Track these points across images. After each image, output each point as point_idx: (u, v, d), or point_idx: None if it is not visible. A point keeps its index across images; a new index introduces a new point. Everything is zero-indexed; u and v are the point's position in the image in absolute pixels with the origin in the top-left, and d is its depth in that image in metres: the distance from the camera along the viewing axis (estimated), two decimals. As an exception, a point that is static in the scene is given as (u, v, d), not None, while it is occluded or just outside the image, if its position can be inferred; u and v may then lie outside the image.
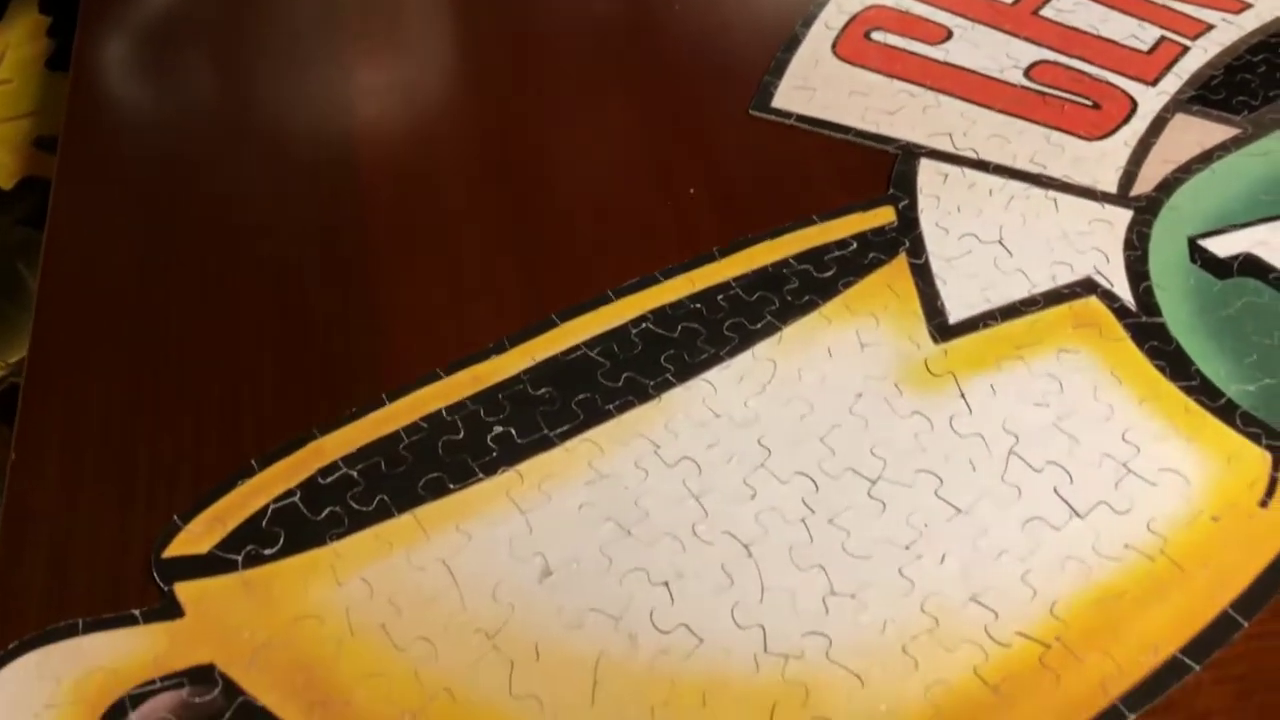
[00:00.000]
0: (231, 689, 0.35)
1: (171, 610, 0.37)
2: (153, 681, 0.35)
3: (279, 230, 0.50)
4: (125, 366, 0.45)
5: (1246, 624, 0.37)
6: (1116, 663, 0.36)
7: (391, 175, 0.53)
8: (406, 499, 0.40)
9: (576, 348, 0.45)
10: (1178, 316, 0.46)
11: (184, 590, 0.38)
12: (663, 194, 0.52)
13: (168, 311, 0.47)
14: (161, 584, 0.38)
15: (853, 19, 0.61)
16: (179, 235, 0.50)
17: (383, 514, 0.40)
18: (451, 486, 0.40)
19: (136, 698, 0.35)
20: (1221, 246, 0.49)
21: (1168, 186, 0.52)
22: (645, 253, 0.49)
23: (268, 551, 0.39)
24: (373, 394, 0.43)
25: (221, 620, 0.37)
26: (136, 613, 0.37)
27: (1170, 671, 0.36)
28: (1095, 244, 0.49)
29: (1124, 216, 0.50)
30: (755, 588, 0.38)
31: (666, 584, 0.38)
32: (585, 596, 0.37)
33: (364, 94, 0.57)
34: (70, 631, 0.37)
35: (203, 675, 0.36)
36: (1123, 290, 0.47)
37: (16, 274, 0.89)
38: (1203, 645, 0.36)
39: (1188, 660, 0.36)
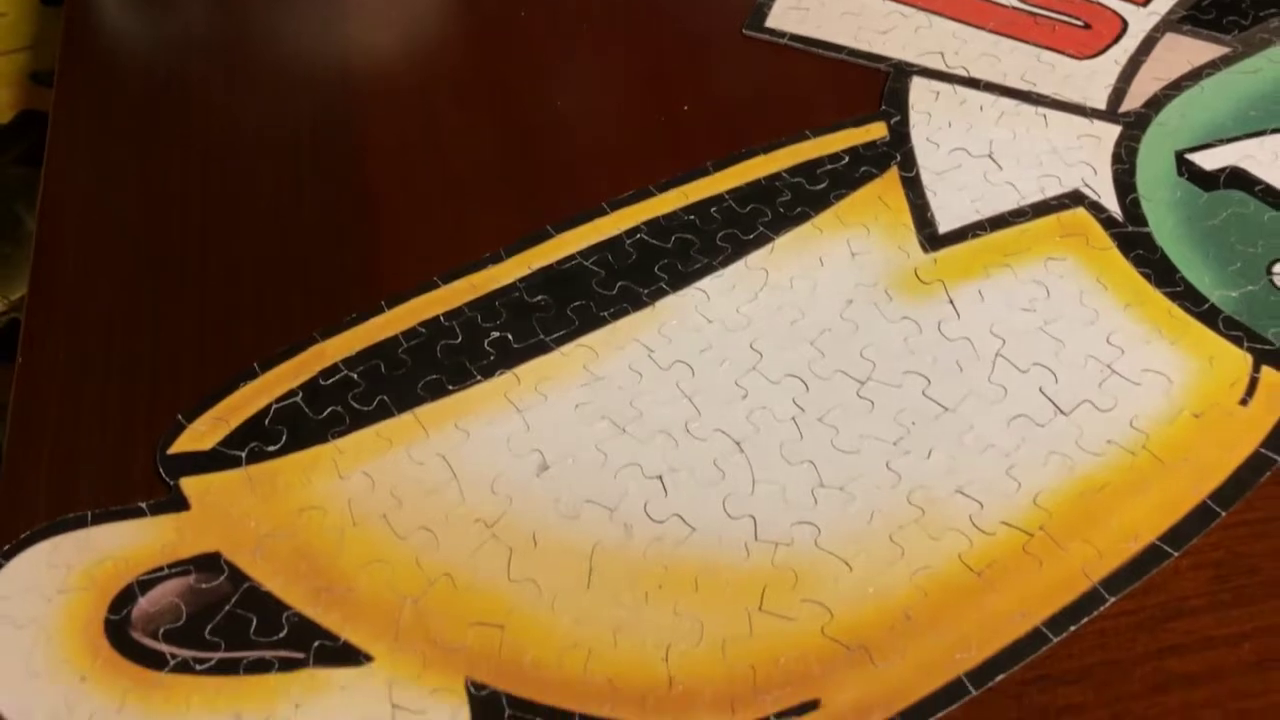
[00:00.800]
0: (237, 575, 0.36)
1: (177, 503, 0.38)
2: (160, 569, 0.36)
3: (278, 149, 0.51)
4: (128, 276, 0.46)
5: (1224, 514, 0.38)
6: (1097, 549, 0.37)
7: (388, 92, 0.53)
8: (406, 399, 0.41)
9: (572, 257, 0.46)
10: (1164, 227, 0.47)
11: (189, 485, 0.39)
12: (657, 111, 0.52)
13: (168, 226, 0.48)
14: (167, 479, 0.39)
15: (845, -58, 0.61)
16: (178, 158, 0.51)
17: (383, 413, 0.41)
18: (450, 388, 0.41)
19: (145, 583, 0.36)
20: (1208, 160, 0.50)
21: (1156, 103, 0.52)
22: (640, 167, 0.49)
23: (270, 448, 0.40)
24: (372, 301, 0.44)
25: (226, 512, 0.38)
26: (144, 505, 0.38)
27: (1149, 558, 0.37)
28: (1084, 158, 0.50)
29: (1112, 132, 0.51)
30: (746, 481, 0.39)
31: (660, 478, 0.39)
32: (581, 489, 0.38)
33: (359, 13, 0.57)
34: (79, 523, 0.38)
35: (209, 563, 0.37)
36: (1110, 202, 0.48)
37: (14, 214, 0.89)
38: (1181, 533, 0.38)
39: (1166, 547, 0.37)
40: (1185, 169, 0.49)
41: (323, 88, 0.53)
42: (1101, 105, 0.52)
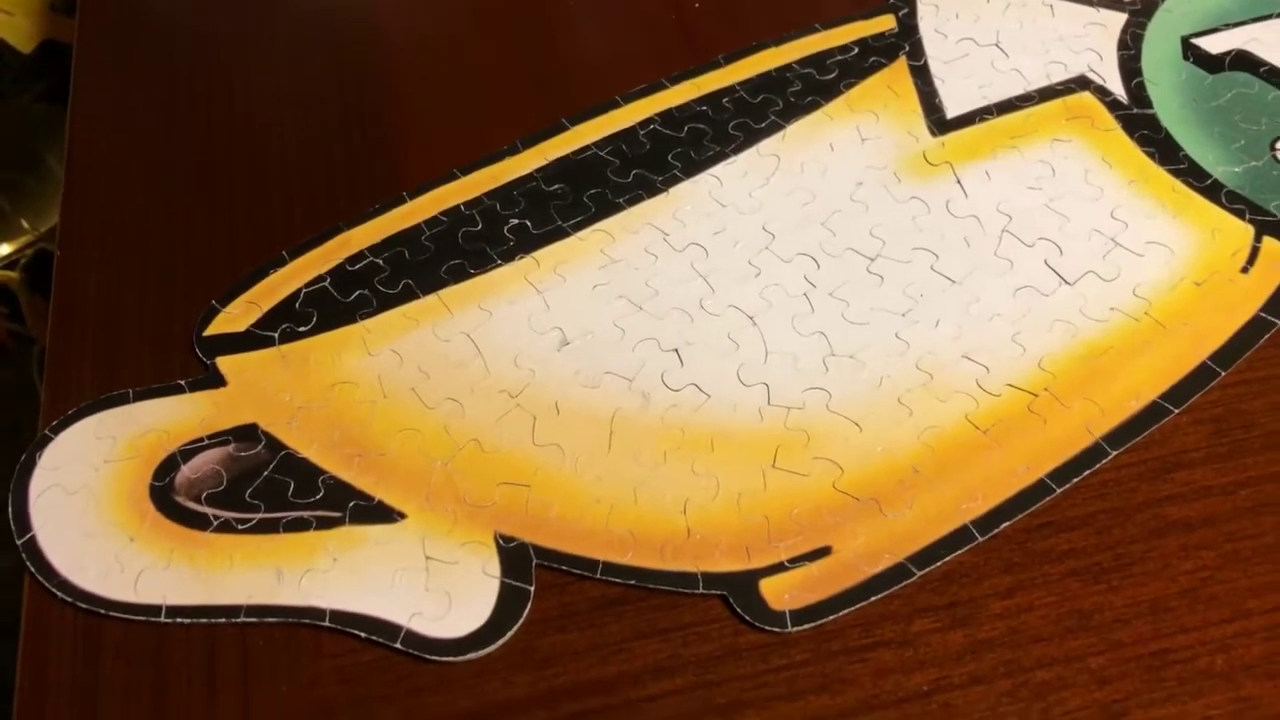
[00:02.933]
0: (275, 444, 0.38)
1: (215, 381, 0.40)
2: (200, 439, 0.38)
3: (300, 52, 0.52)
4: (158, 177, 0.47)
5: (1223, 373, 0.39)
6: (1100, 408, 0.38)
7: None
8: (430, 283, 0.42)
9: (587, 148, 0.47)
10: (1168, 108, 0.48)
11: (225, 363, 0.40)
12: (668, 7, 0.53)
13: (195, 128, 0.49)
14: (204, 358, 0.40)
15: None
16: (203, 73, 0.52)
17: (408, 296, 0.42)
18: (472, 271, 0.43)
19: (187, 452, 0.38)
20: (1214, 44, 0.50)
21: (1163, -9, 0.53)
22: (652, 62, 0.50)
23: (302, 329, 0.41)
24: (394, 192, 0.45)
25: (261, 387, 0.40)
26: (183, 383, 0.40)
27: (1151, 414, 0.38)
28: (1090, 45, 0.50)
29: (1118, 19, 0.51)
30: (759, 352, 0.40)
31: (676, 350, 0.40)
32: (601, 362, 0.40)
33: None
34: (122, 400, 0.39)
35: (247, 433, 0.38)
36: (1115, 86, 0.49)
37: (37, 151, 0.90)
38: (1182, 392, 0.39)
39: (1167, 405, 0.38)
40: (1190, 53, 0.50)
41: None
42: (1108, -6, 0.53)
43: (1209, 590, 0.34)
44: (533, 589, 0.35)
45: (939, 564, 0.35)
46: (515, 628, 0.34)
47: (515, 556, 0.36)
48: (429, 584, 0.35)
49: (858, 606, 0.34)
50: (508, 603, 0.35)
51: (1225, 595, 0.34)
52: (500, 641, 0.34)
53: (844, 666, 0.33)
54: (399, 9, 0.53)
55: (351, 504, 0.37)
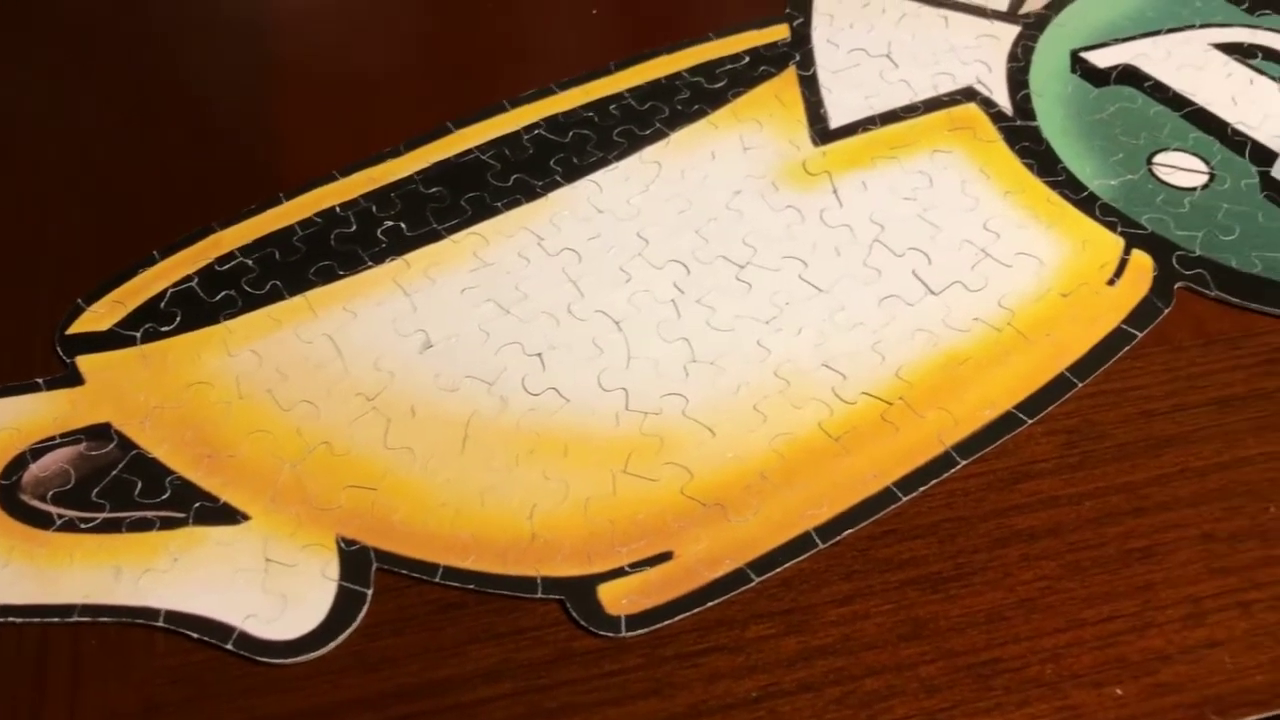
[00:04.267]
0: (126, 443, 0.38)
1: (73, 379, 0.40)
2: (52, 438, 0.38)
3: (184, 56, 0.52)
4: (29, 172, 0.47)
5: (1080, 384, 0.39)
6: (954, 417, 0.38)
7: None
8: (298, 284, 0.42)
9: (469, 151, 0.47)
10: (1052, 120, 0.48)
11: (85, 362, 0.40)
12: (565, 14, 0.53)
13: (69, 121, 0.49)
14: (64, 357, 0.40)
15: None
16: (78, 67, 0.51)
17: (275, 296, 0.42)
18: (341, 273, 0.43)
19: (37, 451, 0.38)
20: (1102, 58, 0.51)
21: (1058, 5, 0.53)
22: (544, 68, 0.50)
23: (164, 329, 0.41)
24: (271, 193, 0.45)
25: (119, 387, 0.39)
26: (40, 381, 0.40)
27: (1003, 424, 0.38)
28: (980, 57, 0.51)
29: (1011, 32, 0.52)
30: (622, 357, 0.40)
31: (539, 355, 0.40)
32: (462, 365, 0.40)
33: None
34: (-23, 398, 0.39)
35: (99, 432, 0.38)
36: (1001, 97, 0.49)
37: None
38: (1037, 402, 0.39)
39: (1021, 415, 0.39)
40: (1078, 66, 0.50)
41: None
42: (1003, 7, 0.53)
43: (1046, 600, 0.34)
44: (370, 592, 0.35)
45: (779, 570, 0.35)
46: (349, 631, 0.34)
47: (355, 560, 0.35)
48: (266, 586, 0.35)
49: (694, 612, 0.34)
50: (343, 606, 0.34)
51: (1061, 605, 0.34)
52: (332, 644, 0.34)
53: (675, 672, 0.33)
54: (289, 7, 0.53)
55: (197, 505, 0.37)
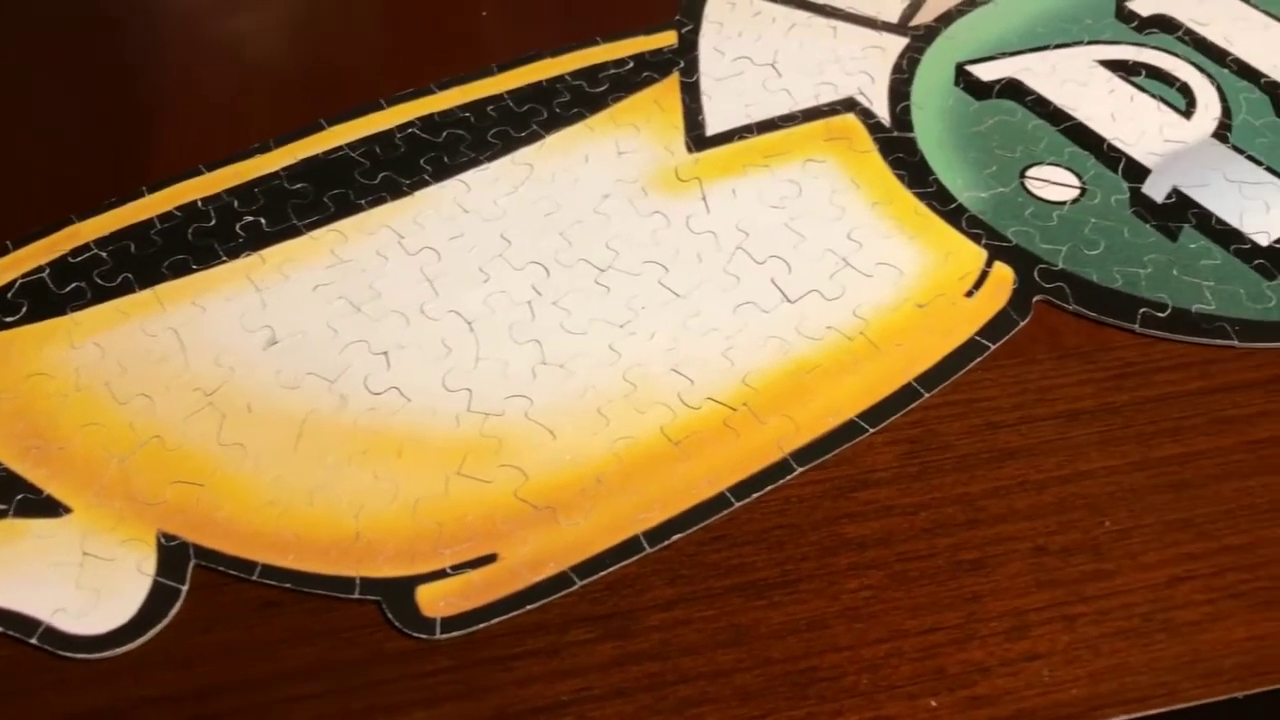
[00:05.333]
0: (-48, 433, 0.37)
1: (-92, 368, 0.39)
2: (-123, 427, 0.37)
3: (54, 45, 0.51)
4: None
5: (927, 394, 0.39)
6: (795, 424, 0.38)
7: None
8: (149, 277, 0.42)
9: (339, 149, 0.46)
10: (929, 132, 0.48)
11: (-77, 351, 0.40)
12: (454, 14, 0.53)
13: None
14: (-98, 346, 0.40)
15: None
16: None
17: (125, 290, 0.42)
18: (194, 267, 0.42)
19: None
20: (987, 72, 0.51)
21: (949, 18, 0.53)
22: (427, 67, 0.50)
23: (9, 319, 0.41)
24: (136, 186, 0.45)
25: (-46, 377, 0.39)
26: (-127, 369, 0.39)
27: (845, 432, 0.38)
28: (864, 68, 0.51)
29: (899, 44, 0.52)
30: (471, 358, 0.40)
31: (386, 354, 0.40)
32: (305, 363, 0.39)
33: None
34: None
35: (-73, 422, 0.38)
36: (881, 109, 0.49)
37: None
38: (882, 411, 0.39)
39: (863, 424, 0.38)
40: (962, 79, 0.50)
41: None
42: (894, 19, 0.53)
43: (870, 610, 0.34)
44: (185, 589, 0.34)
45: (604, 574, 0.35)
46: (159, 627, 0.33)
47: (174, 555, 0.35)
48: (80, 580, 0.34)
49: (513, 615, 0.34)
50: (156, 602, 0.34)
51: (885, 615, 0.34)
52: (141, 640, 0.33)
53: (487, 674, 0.33)
54: (163, 6, 0.52)
55: (19, 497, 0.36)
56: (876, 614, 0.34)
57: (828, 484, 0.37)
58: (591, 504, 0.36)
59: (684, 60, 0.51)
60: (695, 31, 0.52)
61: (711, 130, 0.48)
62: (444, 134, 0.47)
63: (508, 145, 0.47)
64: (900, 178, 0.46)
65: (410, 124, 0.48)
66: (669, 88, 0.50)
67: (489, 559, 0.35)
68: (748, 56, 0.51)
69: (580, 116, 0.48)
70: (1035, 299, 0.42)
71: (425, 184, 0.45)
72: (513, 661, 0.33)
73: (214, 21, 0.52)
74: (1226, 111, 0.49)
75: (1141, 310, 0.42)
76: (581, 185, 0.46)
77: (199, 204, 0.44)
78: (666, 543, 0.35)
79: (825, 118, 0.48)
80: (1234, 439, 0.38)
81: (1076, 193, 0.46)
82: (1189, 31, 0.52)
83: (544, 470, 0.37)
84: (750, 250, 0.43)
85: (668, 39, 0.52)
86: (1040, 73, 0.50)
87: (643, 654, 0.33)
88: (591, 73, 0.50)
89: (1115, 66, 0.51)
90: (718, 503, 0.36)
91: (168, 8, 0.52)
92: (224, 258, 0.43)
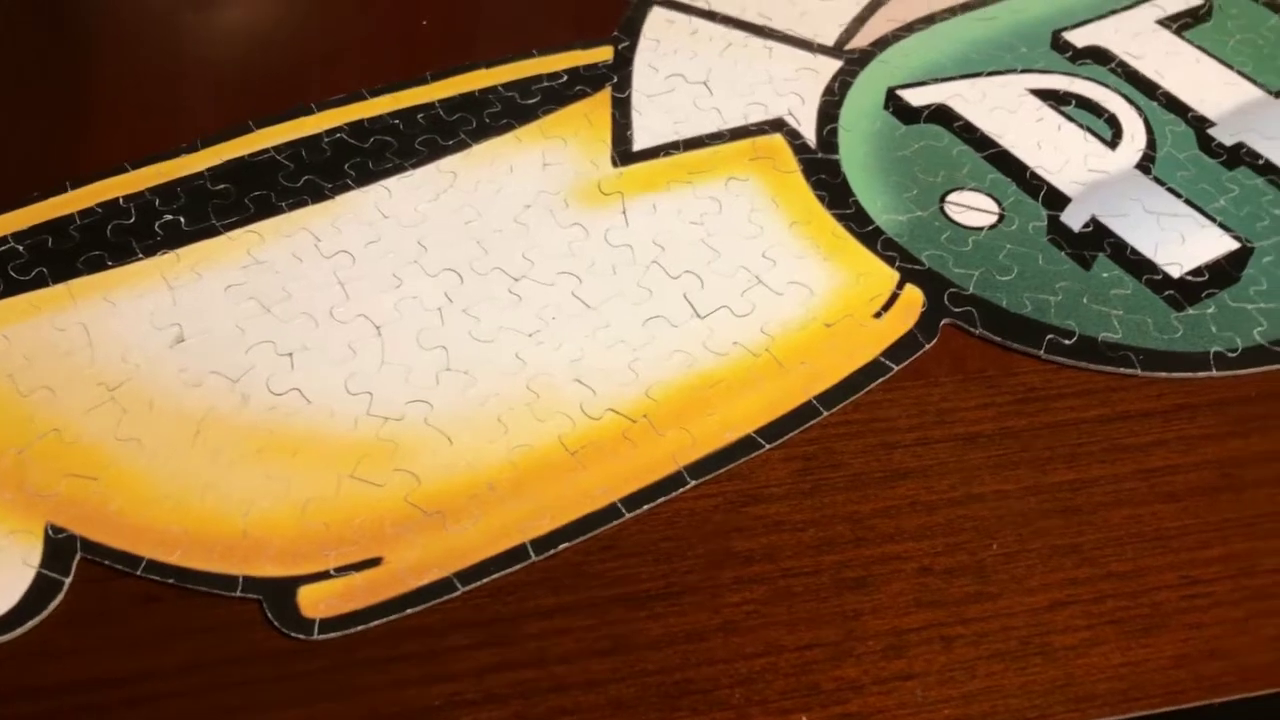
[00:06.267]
0: None
1: None
2: None
3: None
4: None
5: (826, 413, 0.39)
6: (693, 437, 0.38)
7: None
8: (64, 272, 0.42)
9: (265, 151, 0.47)
10: (854, 155, 0.48)
11: None
12: (395, 22, 0.53)
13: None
14: None
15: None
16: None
17: (39, 284, 0.42)
18: (110, 263, 0.43)
19: None
20: (917, 97, 0.51)
21: (884, 42, 0.54)
22: (362, 74, 0.50)
23: (-81, 309, 0.41)
24: (60, 181, 0.45)
25: None
26: None
27: (741, 447, 0.38)
28: (796, 89, 0.51)
29: (833, 66, 0.52)
30: (375, 362, 0.40)
31: (291, 355, 0.40)
32: (210, 361, 0.40)
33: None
34: None
35: None
36: (808, 130, 0.49)
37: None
38: (780, 428, 0.39)
39: (760, 439, 0.39)
40: (892, 103, 0.51)
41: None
42: (830, 42, 0.53)
43: (749, 624, 0.34)
44: (69, 581, 0.34)
45: (488, 580, 0.35)
46: (39, 618, 0.34)
47: (60, 548, 0.35)
48: (-36, 570, 0.34)
49: (392, 618, 0.34)
50: (37, 593, 0.34)
51: (763, 629, 0.34)
52: (20, 631, 0.33)
53: (362, 676, 0.33)
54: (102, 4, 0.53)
55: (-89, 485, 0.36)
56: (755, 628, 0.34)
57: (720, 498, 0.37)
58: (482, 511, 0.36)
59: (618, 75, 0.51)
60: (632, 48, 0.53)
61: (638, 145, 0.48)
62: (371, 140, 0.48)
63: (434, 153, 0.47)
64: (821, 198, 0.46)
65: (339, 129, 0.48)
66: (600, 102, 0.50)
67: (374, 562, 0.35)
68: (681, 74, 0.51)
69: (509, 127, 0.49)
70: (943, 322, 0.42)
71: (347, 188, 0.46)
72: (389, 664, 0.33)
73: (151, 20, 0.52)
74: (1152, 144, 0.49)
75: (1048, 337, 0.42)
76: (504, 195, 0.46)
77: (121, 201, 0.45)
78: (553, 551, 0.36)
79: (752, 137, 0.49)
80: (1128, 467, 0.39)
81: (994, 218, 0.46)
82: (1122, 64, 0.53)
83: (437, 476, 0.37)
84: (665, 265, 0.44)
85: (604, 54, 0.52)
86: (971, 99, 0.51)
87: (519, 661, 0.33)
88: (525, 85, 0.50)
89: (1046, 95, 0.51)
90: (609, 513, 0.36)
91: (104, 4, 0.53)
92: (140, 255, 0.43)
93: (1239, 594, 0.35)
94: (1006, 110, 0.50)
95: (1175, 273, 0.44)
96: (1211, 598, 0.35)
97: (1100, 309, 0.43)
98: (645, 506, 0.37)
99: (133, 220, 0.44)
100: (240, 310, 0.41)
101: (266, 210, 0.45)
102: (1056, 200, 0.47)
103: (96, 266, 0.42)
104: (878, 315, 0.42)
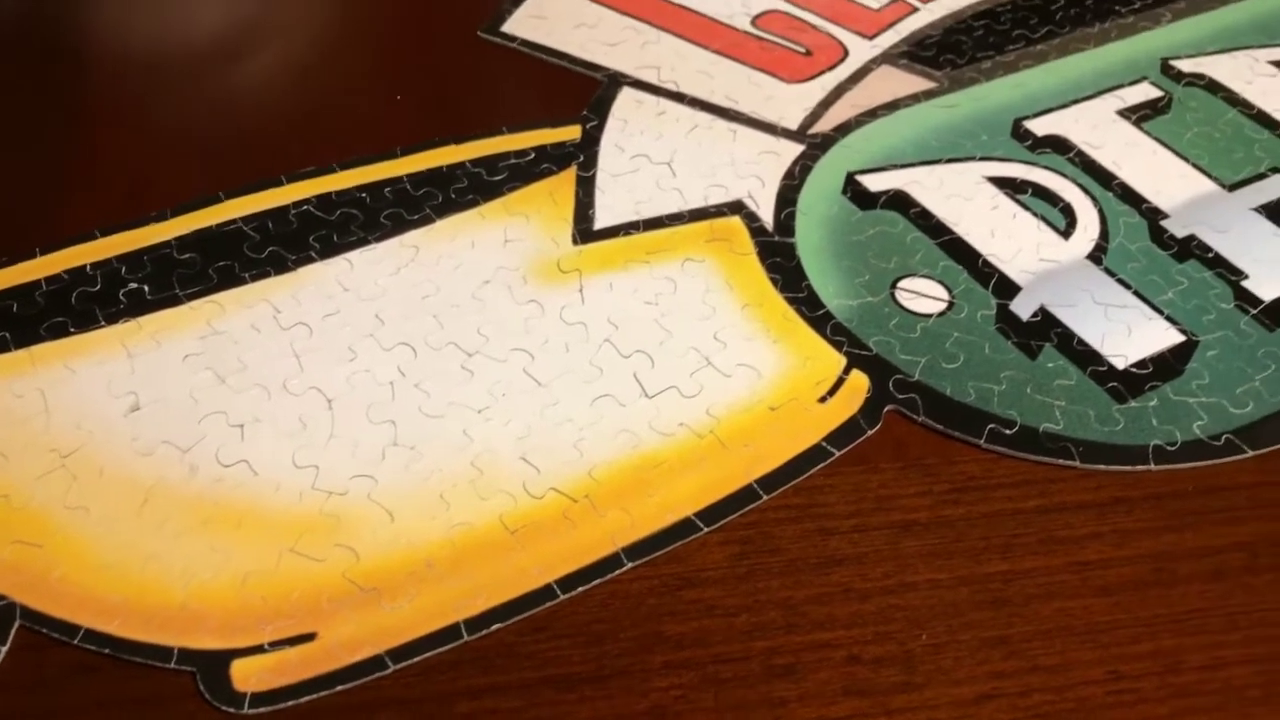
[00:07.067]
0: None
1: None
2: None
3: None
4: None
5: (766, 497, 0.40)
6: (632, 519, 0.39)
7: (107, 53, 0.56)
8: (27, 338, 0.43)
9: (233, 222, 0.48)
10: (809, 239, 0.49)
11: None
12: (370, 97, 0.55)
13: None
14: None
15: (608, -40, 0.64)
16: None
17: (2, 348, 0.43)
18: (72, 330, 0.44)
19: None
20: (876, 182, 0.52)
21: (847, 128, 0.55)
22: (334, 147, 0.52)
23: (-119, 371, 0.42)
24: (30, 247, 0.46)
25: None
26: None
27: (679, 530, 0.39)
28: (757, 172, 0.52)
29: (794, 150, 0.54)
30: (325, 435, 0.41)
31: (242, 426, 0.41)
32: (162, 430, 0.40)
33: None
34: None
35: None
36: (766, 213, 0.50)
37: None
38: (719, 511, 0.40)
39: (699, 522, 0.39)
40: (850, 188, 0.52)
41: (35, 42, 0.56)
42: (793, 126, 0.55)
43: (675, 709, 0.35)
44: (4, 649, 0.35)
45: (420, 659, 0.35)
46: (-28, 686, 0.34)
47: (1, 615, 0.36)
48: (-97, 634, 0.35)
49: (323, 694, 0.34)
50: (-27, 660, 0.35)
51: (690, 715, 0.35)
52: (-48, 698, 0.34)
53: (290, 753, 0.33)
54: (91, 54, 0.54)
55: None
56: (682, 713, 0.35)
57: (656, 580, 0.38)
58: (418, 588, 0.37)
59: (584, 154, 0.52)
60: (600, 127, 0.54)
61: (599, 224, 0.49)
62: (338, 212, 0.49)
63: (398, 227, 0.48)
64: (774, 281, 0.47)
65: (306, 201, 0.49)
66: (565, 180, 0.51)
67: (308, 637, 0.36)
68: (646, 154, 0.53)
69: (474, 203, 0.50)
70: (887, 408, 0.43)
71: (310, 260, 0.47)
72: (316, 741, 0.34)
73: (126, 88, 0.54)
74: (1105, 234, 0.50)
75: (990, 426, 0.43)
76: (463, 270, 0.47)
77: (88, 268, 0.46)
78: (486, 631, 0.36)
79: (711, 219, 0.50)
80: (1062, 559, 0.39)
81: (944, 305, 0.47)
82: (1081, 153, 0.54)
83: (377, 552, 0.38)
84: (618, 343, 0.44)
85: (572, 133, 0.54)
86: (928, 185, 0.52)
87: (445, 741, 0.34)
88: (492, 161, 0.52)
89: (1003, 184, 0.52)
90: (544, 594, 0.37)
91: (80, 72, 0.54)
92: (103, 323, 0.44)
93: (1164, 691, 0.36)
94: (963, 197, 0.51)
95: (1120, 364, 0.45)
96: (1137, 694, 0.36)
97: (1043, 399, 0.44)
98: (580, 588, 0.37)
99: (98, 287, 0.45)
100: (196, 380, 0.42)
101: (229, 281, 0.46)
102: (1007, 289, 0.48)
103: (59, 333, 0.43)
104: (823, 400, 0.43)
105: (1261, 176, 0.53)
